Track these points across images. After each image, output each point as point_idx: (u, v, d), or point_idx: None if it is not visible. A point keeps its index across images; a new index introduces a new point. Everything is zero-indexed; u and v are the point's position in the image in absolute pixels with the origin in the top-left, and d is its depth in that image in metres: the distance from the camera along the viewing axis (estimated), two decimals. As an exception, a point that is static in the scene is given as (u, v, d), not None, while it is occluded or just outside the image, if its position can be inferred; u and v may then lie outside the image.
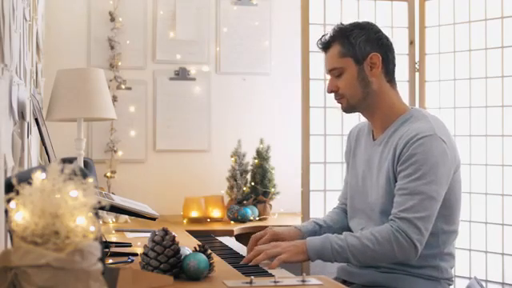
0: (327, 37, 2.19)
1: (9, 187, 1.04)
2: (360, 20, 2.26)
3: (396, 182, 2.08)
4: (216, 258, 1.94)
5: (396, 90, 2.22)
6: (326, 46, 2.20)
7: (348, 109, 2.22)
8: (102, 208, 1.07)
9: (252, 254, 1.99)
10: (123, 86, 3.82)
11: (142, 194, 3.57)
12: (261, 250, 1.99)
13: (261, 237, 2.16)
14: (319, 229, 2.32)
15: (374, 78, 2.16)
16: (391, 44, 2.22)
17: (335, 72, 2.18)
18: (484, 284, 3.13)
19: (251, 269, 1.95)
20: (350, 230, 2.30)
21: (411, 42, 3.46)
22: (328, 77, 2.25)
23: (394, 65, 2.22)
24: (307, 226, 2.33)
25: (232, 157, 3.75)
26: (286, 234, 2.21)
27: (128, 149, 3.84)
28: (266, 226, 3.26)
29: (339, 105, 2.24)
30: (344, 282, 2.22)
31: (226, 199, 3.71)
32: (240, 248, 2.46)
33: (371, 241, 1.99)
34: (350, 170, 2.34)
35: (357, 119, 3.31)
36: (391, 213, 2.04)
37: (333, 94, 2.23)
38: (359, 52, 2.14)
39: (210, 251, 1.78)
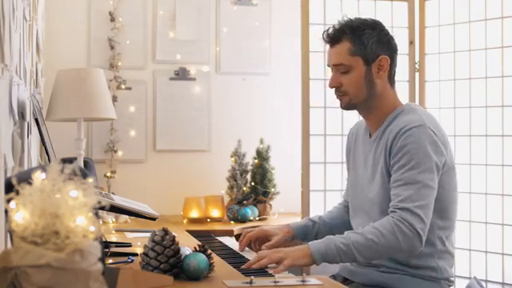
0: (336, 30, 2.16)
1: (9, 187, 1.04)
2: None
3: (390, 175, 2.08)
4: (216, 258, 1.94)
5: (394, 89, 2.23)
6: (334, 41, 2.17)
7: (348, 107, 2.21)
8: (102, 208, 1.07)
9: (255, 258, 1.98)
10: (123, 86, 3.82)
11: (141, 194, 3.57)
12: (263, 255, 1.97)
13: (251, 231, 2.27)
14: (312, 225, 2.34)
15: (379, 79, 2.16)
16: (396, 45, 2.23)
17: (341, 68, 2.15)
18: (484, 284, 3.13)
19: (251, 269, 1.95)
20: (349, 226, 2.30)
21: (411, 42, 3.46)
22: (326, 74, 2.25)
23: (396, 66, 2.23)
24: (299, 222, 2.36)
25: (232, 157, 3.75)
26: (274, 230, 2.28)
27: (128, 149, 3.84)
28: (265, 226, 3.28)
29: (339, 104, 2.24)
30: (345, 280, 2.23)
31: (226, 199, 3.71)
32: (240, 248, 2.46)
33: (375, 234, 1.96)
34: (350, 170, 2.34)
35: (356, 119, 3.32)
36: (389, 205, 2.03)
37: (333, 91, 2.22)
38: (370, 53, 2.13)
39: (209, 251, 1.78)
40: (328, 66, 2.23)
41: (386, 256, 2.06)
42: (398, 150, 2.05)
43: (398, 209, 1.99)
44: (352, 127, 2.42)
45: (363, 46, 2.13)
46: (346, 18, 2.19)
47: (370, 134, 2.25)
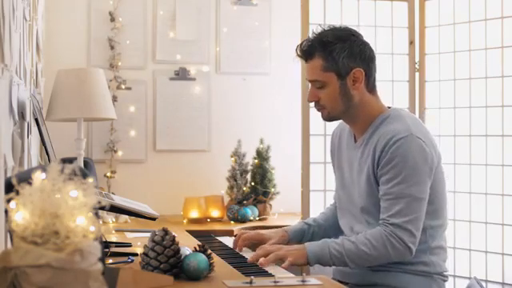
0: (308, 46, 2.16)
1: (9, 187, 1.04)
2: (346, 24, 2.25)
3: (377, 183, 2.11)
4: (216, 258, 1.94)
5: (376, 94, 2.22)
6: (307, 56, 2.17)
7: (328, 119, 2.24)
8: (102, 208, 1.07)
9: (260, 252, 2.04)
10: (123, 86, 3.82)
11: (142, 194, 3.57)
12: (269, 250, 2.04)
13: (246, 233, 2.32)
14: (307, 228, 2.39)
15: (356, 90, 2.15)
16: (373, 53, 2.20)
17: (317, 84, 2.16)
18: (484, 284, 3.13)
19: (251, 269, 1.95)
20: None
21: (411, 42, 3.46)
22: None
23: (376, 71, 2.21)
24: (295, 226, 2.41)
25: (232, 157, 3.75)
26: (269, 234, 2.31)
27: (128, 149, 3.83)
28: (265, 226, 3.28)
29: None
30: (339, 282, 2.24)
31: (226, 199, 3.71)
32: (240, 248, 2.46)
33: (367, 245, 2.04)
34: (336, 170, 2.35)
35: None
36: (380, 218, 2.08)
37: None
38: (342, 68, 2.12)
39: (209, 251, 1.79)
40: (306, 79, 2.25)
41: (377, 264, 2.12)
42: (387, 162, 2.07)
43: (390, 224, 2.04)
44: (335, 127, 2.41)
45: (334, 62, 2.12)
46: (319, 29, 2.17)
47: (354, 138, 2.25)
